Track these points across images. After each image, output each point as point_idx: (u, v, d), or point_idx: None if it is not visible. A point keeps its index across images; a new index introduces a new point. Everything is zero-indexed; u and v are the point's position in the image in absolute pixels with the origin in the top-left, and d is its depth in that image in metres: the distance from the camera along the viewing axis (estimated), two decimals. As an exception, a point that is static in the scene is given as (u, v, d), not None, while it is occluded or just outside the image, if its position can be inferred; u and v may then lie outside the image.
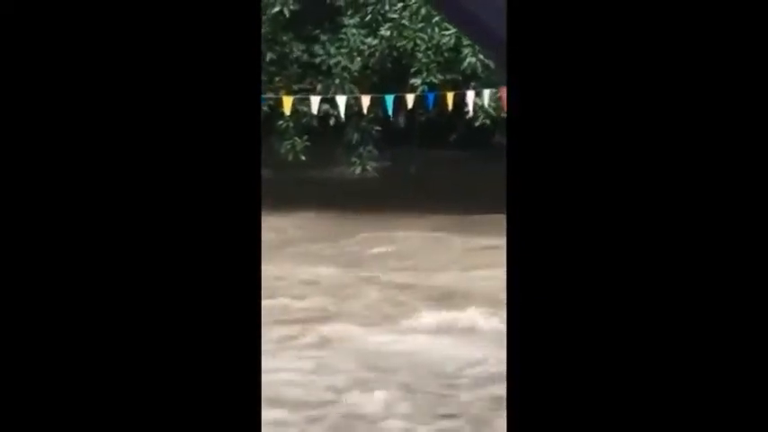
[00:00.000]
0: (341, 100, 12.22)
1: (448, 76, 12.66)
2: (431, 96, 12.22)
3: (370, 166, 13.75)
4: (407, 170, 14.70)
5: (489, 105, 12.28)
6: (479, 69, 12.18)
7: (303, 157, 13.37)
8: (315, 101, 12.33)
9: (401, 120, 14.77)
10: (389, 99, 12.02)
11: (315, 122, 13.25)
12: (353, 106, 12.70)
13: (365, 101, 12.19)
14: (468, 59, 12.19)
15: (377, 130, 13.64)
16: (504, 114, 12.23)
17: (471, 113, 12.43)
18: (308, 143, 13.36)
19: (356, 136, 13.63)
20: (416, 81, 12.65)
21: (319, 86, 13.14)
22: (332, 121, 13.20)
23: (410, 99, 12.08)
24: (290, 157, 13.30)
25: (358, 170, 13.74)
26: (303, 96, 12.72)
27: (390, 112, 12.38)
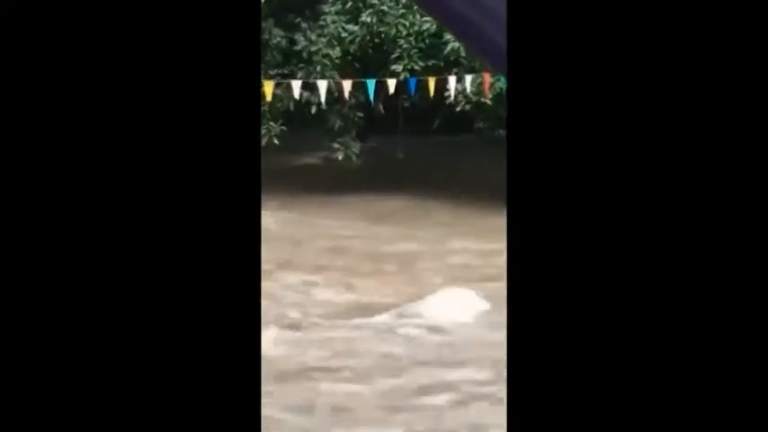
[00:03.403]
0: (321, 85, 12.19)
1: (430, 63, 12.66)
2: (412, 82, 12.21)
3: (353, 152, 13.75)
4: (392, 156, 14.71)
5: (471, 91, 12.27)
6: (462, 55, 12.17)
7: (277, 142, 13.29)
8: (296, 85, 12.30)
9: (381, 106, 14.74)
10: (371, 84, 12.01)
11: (292, 107, 13.20)
12: (335, 92, 12.67)
13: (346, 86, 12.17)
14: (450, 45, 12.17)
15: (359, 117, 13.63)
16: (484, 99, 12.26)
17: (453, 99, 12.43)
18: (283, 128, 13.31)
19: (338, 122, 13.61)
20: (398, 67, 12.64)
21: (300, 74, 13.10)
22: (313, 110, 13.16)
23: (391, 84, 12.06)
24: (264, 142, 13.22)
25: (341, 156, 13.73)
26: (283, 81, 12.68)
27: (372, 98, 12.35)
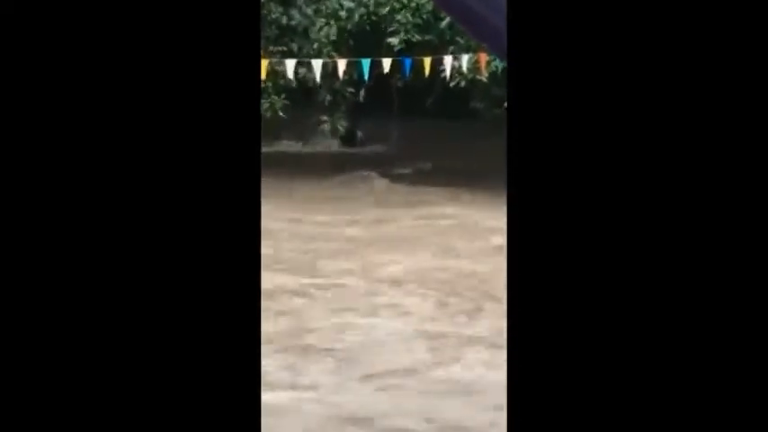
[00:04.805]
0: (317, 64, 12.11)
1: (426, 37, 12.60)
2: (407, 61, 12.14)
3: (342, 125, 13.76)
4: (386, 137, 14.70)
5: (467, 68, 12.22)
6: (459, 33, 12.12)
7: (282, 114, 13.28)
8: (290, 65, 12.23)
9: (364, 90, 14.61)
10: (366, 63, 11.93)
11: (294, 84, 13.17)
12: (329, 71, 12.60)
13: (341, 65, 12.10)
14: (446, 20, 12.12)
15: (351, 92, 13.60)
16: (479, 77, 12.22)
17: (449, 77, 12.38)
18: (286, 102, 13.27)
19: (328, 97, 13.59)
20: (394, 41, 12.60)
21: (295, 47, 13.04)
22: (310, 83, 13.09)
23: (386, 64, 11.99)
24: (269, 115, 13.20)
25: (335, 146, 13.77)
26: (278, 60, 12.61)
27: (366, 77, 12.28)
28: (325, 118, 13.86)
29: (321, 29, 12.92)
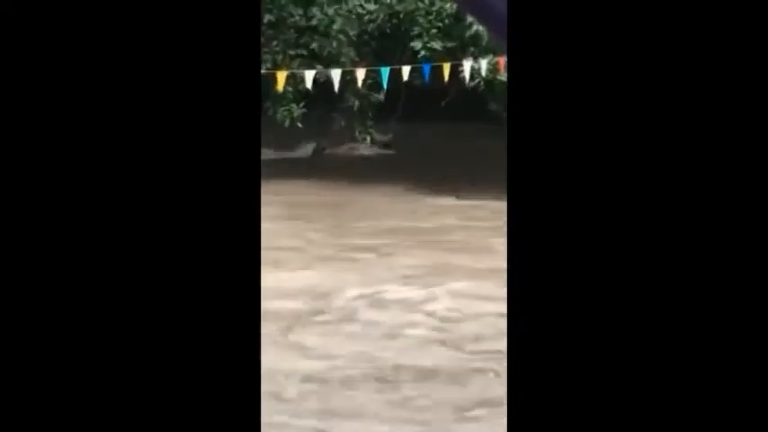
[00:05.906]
0: (335, 74, 12.08)
1: (448, 44, 12.59)
2: (427, 68, 12.10)
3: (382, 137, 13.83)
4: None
5: (487, 69, 12.17)
6: (483, 38, 12.08)
7: (300, 125, 13.33)
8: (309, 76, 12.21)
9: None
10: (385, 71, 11.91)
11: (313, 90, 13.19)
12: (347, 78, 12.59)
13: (360, 74, 12.09)
14: (474, 27, 12.09)
15: (376, 98, 13.64)
16: (500, 78, 12.17)
17: (467, 79, 12.34)
18: (304, 110, 13.30)
19: (357, 104, 13.61)
20: (417, 45, 12.59)
21: (315, 48, 13.04)
22: (331, 91, 13.07)
23: (405, 71, 11.95)
24: (287, 123, 13.25)
25: (366, 151, 13.83)
26: (297, 71, 12.61)
27: (385, 84, 12.26)
28: (362, 130, 13.97)
29: (341, 30, 12.91)
